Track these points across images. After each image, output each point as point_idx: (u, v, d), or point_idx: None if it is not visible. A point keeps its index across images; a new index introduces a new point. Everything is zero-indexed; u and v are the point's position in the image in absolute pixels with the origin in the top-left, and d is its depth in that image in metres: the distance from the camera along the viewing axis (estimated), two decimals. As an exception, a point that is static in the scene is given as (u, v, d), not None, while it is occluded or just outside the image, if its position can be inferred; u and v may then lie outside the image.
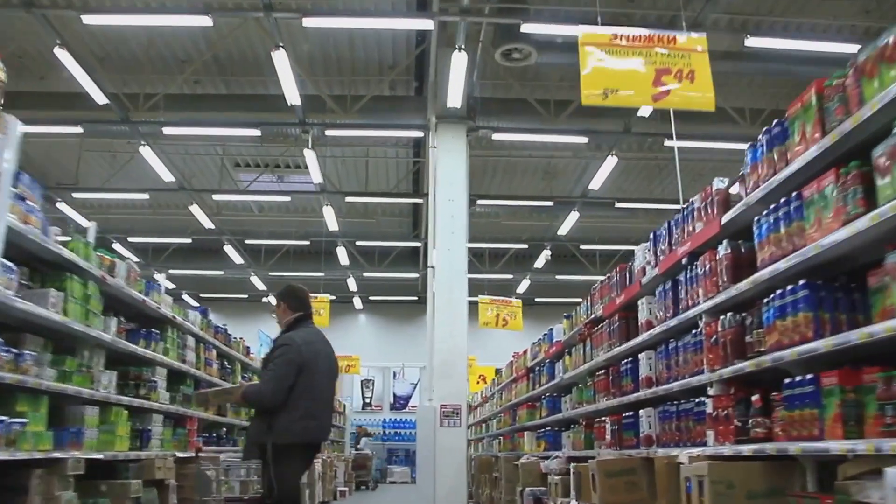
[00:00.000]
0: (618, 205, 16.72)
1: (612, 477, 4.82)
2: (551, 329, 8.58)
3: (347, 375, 24.89)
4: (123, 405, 5.05)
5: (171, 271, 21.93)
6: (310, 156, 13.52)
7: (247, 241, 20.27)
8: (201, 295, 24.99)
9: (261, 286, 23.73)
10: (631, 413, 5.26)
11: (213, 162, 17.07)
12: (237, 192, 16.84)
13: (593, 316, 6.46)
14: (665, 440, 4.66)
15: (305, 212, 19.36)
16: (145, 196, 15.94)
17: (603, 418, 5.98)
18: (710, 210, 4.06)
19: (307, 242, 19.27)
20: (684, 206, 4.50)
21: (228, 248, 20.33)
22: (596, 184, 15.20)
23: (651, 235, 5.08)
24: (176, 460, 5.66)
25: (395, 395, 26.85)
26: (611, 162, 14.12)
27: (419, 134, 13.00)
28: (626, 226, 19.87)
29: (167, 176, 14.82)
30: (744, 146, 3.70)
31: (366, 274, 22.29)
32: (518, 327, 10.37)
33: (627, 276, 5.63)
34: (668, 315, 4.65)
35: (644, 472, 4.82)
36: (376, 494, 19.43)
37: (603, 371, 6.08)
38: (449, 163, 11.77)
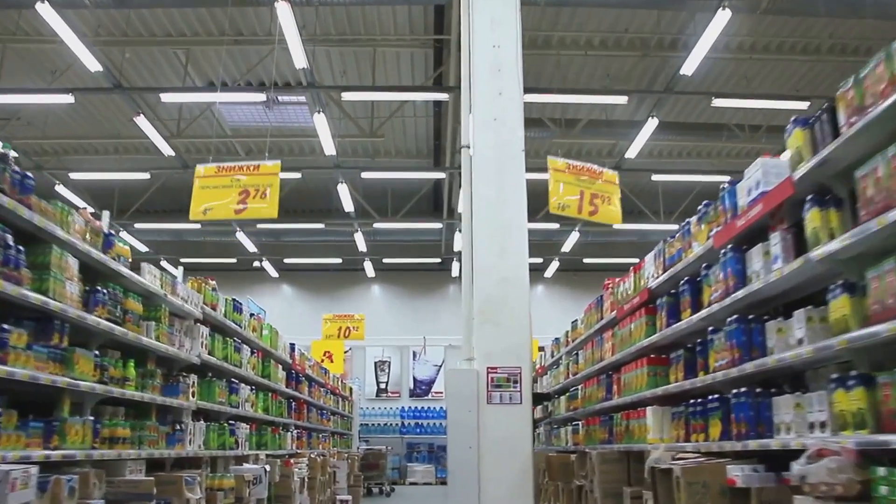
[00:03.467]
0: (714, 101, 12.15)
1: None
2: (731, 185, 4.12)
3: (357, 345, 20.44)
4: None
5: (137, 225, 17.85)
6: (283, 11, 9.09)
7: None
8: (182, 260, 20.80)
9: (251, 247, 19.42)
10: None
11: (175, 73, 12.80)
12: (189, 89, 12.41)
13: None
14: None
15: (294, 134, 15.08)
16: (69, 98, 11.54)
17: None
18: None
19: (298, 175, 14.82)
20: None
21: (201, 190, 15.99)
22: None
23: None
24: None
25: (415, 380, 22.35)
26: None
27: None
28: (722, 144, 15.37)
29: (93, 64, 10.49)
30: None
31: (377, 225, 17.82)
32: (615, 219, 6.31)
33: None
34: None
35: None
36: (392, 502, 15.08)
37: None
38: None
